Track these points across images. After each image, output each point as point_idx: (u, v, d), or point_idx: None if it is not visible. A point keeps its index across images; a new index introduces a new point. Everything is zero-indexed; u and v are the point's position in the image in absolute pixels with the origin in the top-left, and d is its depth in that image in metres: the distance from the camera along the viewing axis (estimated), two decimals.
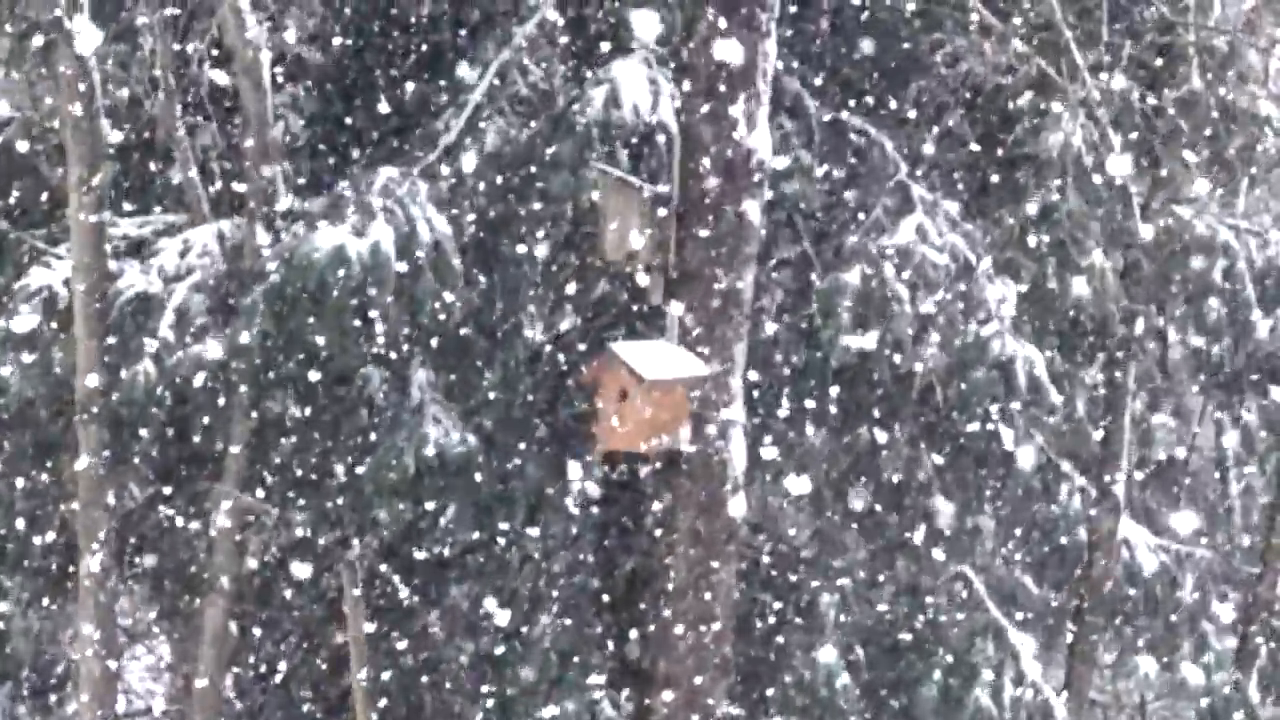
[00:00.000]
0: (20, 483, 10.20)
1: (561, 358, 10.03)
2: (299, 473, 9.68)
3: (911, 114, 10.69)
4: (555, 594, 9.94)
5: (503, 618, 9.86)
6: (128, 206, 10.41)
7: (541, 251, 9.65)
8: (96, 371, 9.52)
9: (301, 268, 8.80)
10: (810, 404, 10.06)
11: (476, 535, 9.65)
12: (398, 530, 9.53)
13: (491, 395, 9.59)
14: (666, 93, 9.52)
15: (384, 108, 10.25)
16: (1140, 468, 12.00)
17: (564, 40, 10.05)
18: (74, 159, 9.51)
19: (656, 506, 9.55)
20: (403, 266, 8.95)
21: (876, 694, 10.42)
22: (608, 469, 10.12)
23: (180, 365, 9.38)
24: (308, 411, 9.41)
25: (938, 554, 10.35)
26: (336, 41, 10.51)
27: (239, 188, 9.86)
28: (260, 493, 9.84)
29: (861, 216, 10.02)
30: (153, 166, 10.63)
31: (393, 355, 9.25)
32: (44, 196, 10.64)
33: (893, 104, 10.63)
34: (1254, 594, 12.16)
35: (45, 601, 10.85)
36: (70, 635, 11.18)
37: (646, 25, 9.16)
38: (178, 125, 9.94)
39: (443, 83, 10.13)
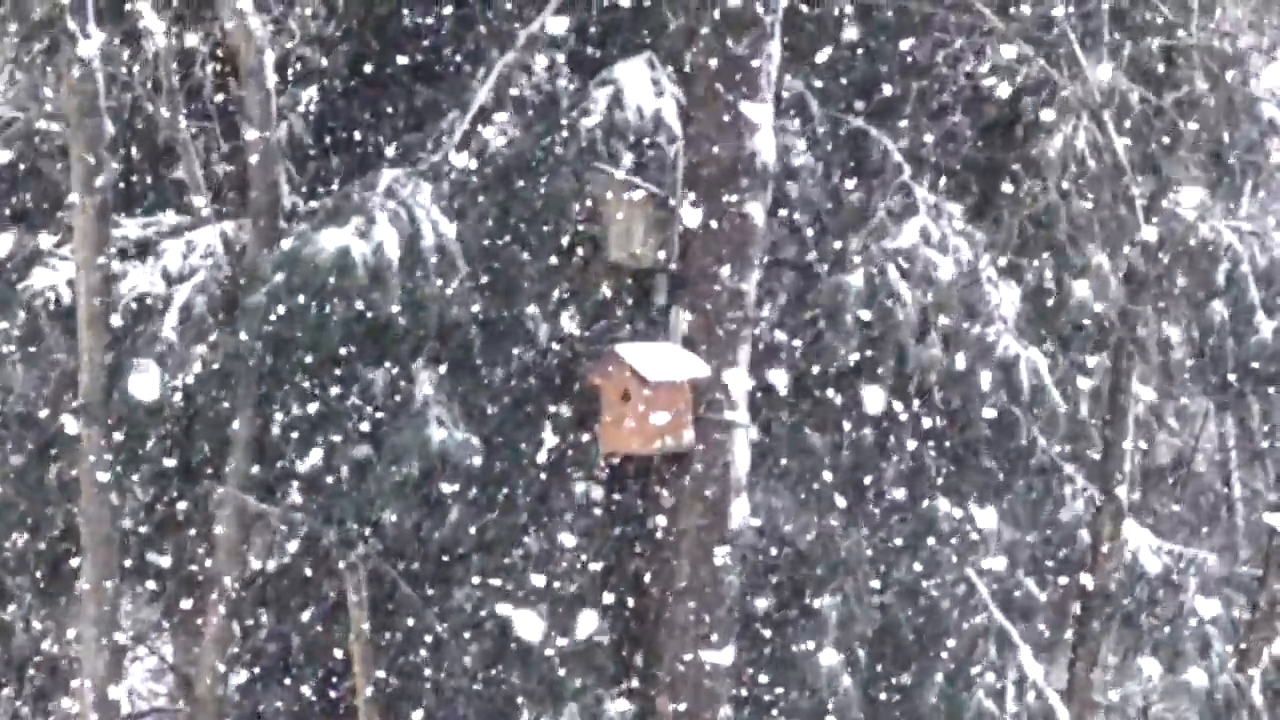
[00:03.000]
0: (23, 484, 10.19)
1: (565, 359, 10.02)
2: (302, 474, 9.67)
3: (914, 116, 10.69)
4: (559, 595, 9.93)
5: (506, 619, 9.85)
6: (131, 208, 10.40)
7: (545, 253, 9.65)
8: (99, 372, 9.52)
9: (306, 269, 8.80)
10: (813, 406, 10.05)
11: (480, 536, 9.64)
12: (401, 531, 9.52)
13: (495, 397, 9.58)
14: (670, 94, 9.53)
15: (388, 109, 10.24)
16: (1143, 470, 11.99)
17: (567, 41, 10.04)
18: (77, 160, 9.51)
19: (660, 509, 9.54)
20: (407, 268, 8.95)
21: (878, 696, 10.41)
22: (611, 471, 10.11)
23: (183, 366, 9.37)
24: (311, 412, 9.40)
25: (940, 556, 10.35)
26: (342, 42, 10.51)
27: (242, 189, 9.85)
28: (263, 494, 9.83)
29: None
30: (156, 168, 10.63)
31: (397, 356, 9.24)
32: (47, 198, 10.64)
33: (896, 106, 10.63)
34: (1257, 596, 12.16)
35: (48, 600, 10.85)
36: (73, 636, 11.18)
37: None
38: (181, 126, 9.93)
39: (446, 84, 10.12)
